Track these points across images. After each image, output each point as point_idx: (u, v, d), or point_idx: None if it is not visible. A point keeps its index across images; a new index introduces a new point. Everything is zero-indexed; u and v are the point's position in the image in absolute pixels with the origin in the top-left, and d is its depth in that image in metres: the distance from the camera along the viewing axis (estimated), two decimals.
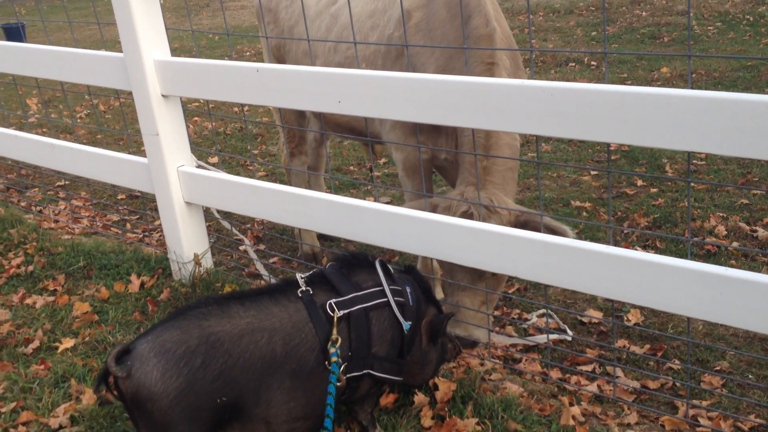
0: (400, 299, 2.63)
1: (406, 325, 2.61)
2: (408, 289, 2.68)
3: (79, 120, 8.62)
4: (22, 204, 5.61)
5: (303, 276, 2.61)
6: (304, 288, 2.54)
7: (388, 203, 4.78)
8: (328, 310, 2.49)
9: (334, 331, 2.47)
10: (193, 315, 2.38)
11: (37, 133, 5.56)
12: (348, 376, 2.52)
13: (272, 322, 2.42)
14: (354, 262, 2.71)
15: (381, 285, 2.62)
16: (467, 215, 3.13)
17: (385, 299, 2.59)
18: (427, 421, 2.82)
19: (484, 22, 3.28)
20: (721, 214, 4.73)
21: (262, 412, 2.38)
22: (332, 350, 2.43)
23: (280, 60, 4.54)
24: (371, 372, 2.58)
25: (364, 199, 3.40)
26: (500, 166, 3.29)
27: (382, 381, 2.66)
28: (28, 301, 3.97)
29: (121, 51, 3.71)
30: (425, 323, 2.74)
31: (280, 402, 2.40)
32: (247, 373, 2.34)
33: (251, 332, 2.37)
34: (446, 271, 3.31)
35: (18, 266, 4.36)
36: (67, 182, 6.11)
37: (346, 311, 2.51)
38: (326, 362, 2.45)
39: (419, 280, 2.80)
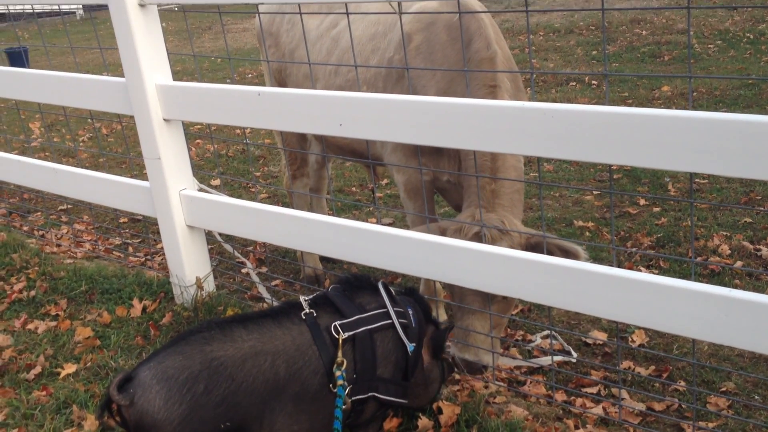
0: (404, 321, 2.63)
1: (410, 346, 2.62)
2: (410, 311, 2.68)
3: (81, 144, 8.64)
4: (25, 228, 5.61)
5: (306, 298, 2.61)
6: (307, 310, 2.53)
7: (390, 224, 4.78)
8: (333, 333, 2.48)
9: (339, 353, 2.46)
10: (195, 340, 2.36)
11: (39, 157, 5.57)
12: (353, 399, 2.50)
13: (275, 345, 2.41)
14: (357, 284, 2.71)
15: (384, 307, 2.62)
16: (478, 237, 3.12)
17: (390, 321, 2.59)
18: None
19: (485, 45, 3.29)
20: (724, 233, 4.71)
21: None
22: (338, 373, 2.43)
23: (282, 83, 4.56)
24: (376, 395, 2.57)
25: (367, 221, 3.39)
26: (508, 188, 3.29)
27: (387, 404, 2.65)
28: (30, 326, 3.96)
29: (122, 75, 3.72)
30: (427, 339, 2.75)
31: (283, 425, 2.39)
32: (251, 397, 2.32)
33: (254, 356, 2.36)
34: (457, 295, 3.28)
35: (20, 291, 4.36)
36: (69, 206, 6.11)
37: (351, 333, 2.50)
38: (330, 385, 2.44)
39: (420, 301, 2.81)
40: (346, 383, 2.44)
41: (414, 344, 2.63)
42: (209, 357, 2.31)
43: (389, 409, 2.80)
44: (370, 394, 2.56)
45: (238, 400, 2.30)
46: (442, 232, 3.19)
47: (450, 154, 3.47)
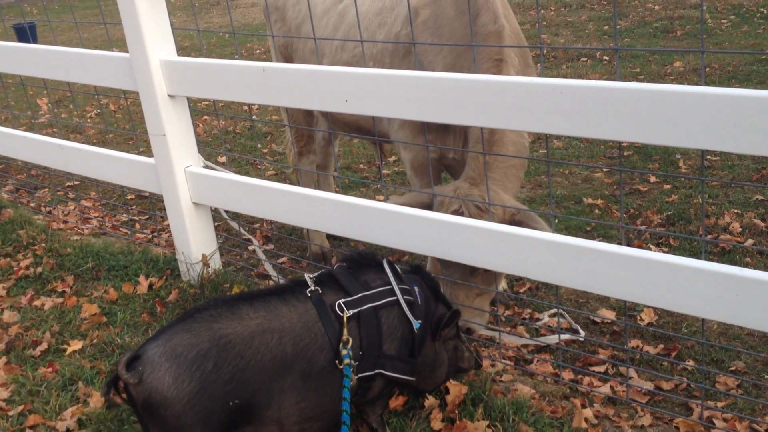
0: (409, 298, 2.61)
1: (416, 323, 2.60)
2: (416, 289, 2.66)
3: (89, 120, 8.62)
4: (32, 205, 5.61)
5: (312, 276, 2.59)
6: (312, 288, 2.52)
7: None
8: (337, 310, 2.47)
9: (345, 331, 2.44)
10: (202, 317, 2.35)
11: (47, 134, 5.56)
12: (360, 376, 2.50)
13: (282, 322, 2.41)
14: (362, 261, 2.70)
15: (389, 284, 2.60)
16: (458, 214, 3.10)
17: (395, 298, 2.57)
18: (437, 424, 2.79)
19: (492, 18, 3.24)
20: (735, 211, 4.66)
21: (275, 414, 2.37)
22: (344, 352, 2.42)
23: (288, 59, 4.51)
24: (383, 372, 2.56)
25: (374, 198, 3.36)
26: (502, 162, 3.25)
27: (393, 381, 2.63)
28: (37, 302, 3.96)
29: (127, 51, 3.69)
30: (433, 322, 2.72)
31: (291, 403, 2.38)
32: (259, 374, 2.32)
33: (262, 333, 2.36)
34: (441, 266, 3.28)
35: (27, 267, 4.35)
36: (76, 182, 6.11)
37: (355, 310, 2.49)
38: (336, 362, 2.43)
39: (427, 279, 2.78)
40: (353, 362, 2.44)
41: (420, 321, 2.61)
42: (217, 334, 2.30)
43: (395, 387, 2.78)
44: (376, 371, 2.55)
45: (246, 377, 2.30)
46: (423, 206, 3.17)
47: (456, 131, 3.43)
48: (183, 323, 2.35)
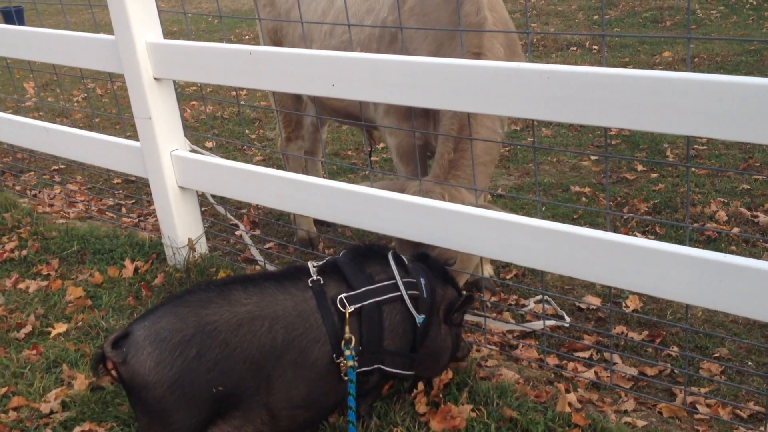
0: (414, 292, 2.57)
1: (420, 318, 2.56)
2: (422, 281, 2.61)
3: (75, 104, 8.56)
4: (17, 188, 5.57)
5: (315, 264, 2.55)
6: (315, 277, 2.48)
7: None
8: (339, 305, 2.43)
9: (347, 329, 2.41)
10: (192, 301, 2.34)
11: (33, 117, 5.50)
12: (359, 370, 2.47)
13: (275, 309, 2.38)
14: (367, 253, 2.65)
15: (394, 278, 2.56)
16: None
17: (399, 293, 2.54)
18: (421, 408, 2.79)
19: (474, 9, 3.21)
20: (722, 200, 4.68)
21: (263, 399, 2.36)
22: (347, 352, 2.40)
23: (277, 44, 4.49)
24: (382, 367, 2.54)
25: (362, 185, 3.35)
26: (469, 160, 3.22)
27: (391, 375, 2.62)
28: (21, 285, 3.94)
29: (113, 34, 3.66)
30: (443, 307, 2.70)
31: (280, 390, 2.37)
32: (245, 363, 2.31)
33: (251, 321, 2.33)
34: (397, 247, 3.25)
35: (11, 250, 4.33)
36: (62, 166, 6.07)
37: (358, 306, 2.45)
38: (333, 356, 2.41)
39: (434, 266, 2.74)
40: (356, 364, 2.41)
41: (423, 316, 2.57)
42: (204, 321, 2.28)
43: (391, 379, 2.77)
44: (375, 366, 2.53)
45: (231, 365, 2.28)
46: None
47: (436, 119, 3.42)
48: (172, 306, 2.35)
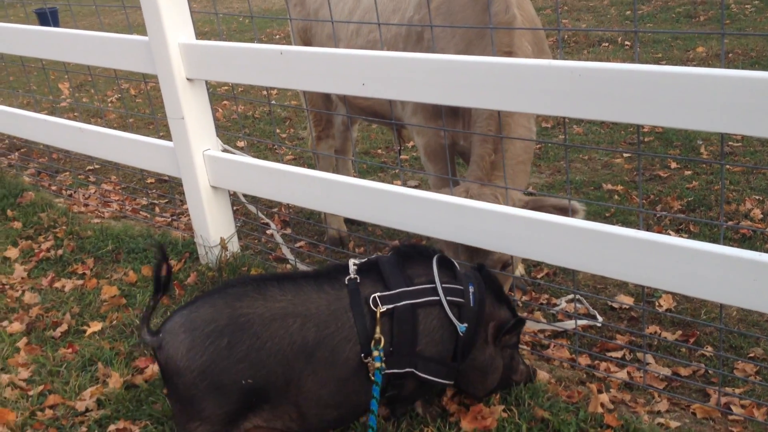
0: (458, 299, 2.48)
1: (462, 327, 2.46)
2: (471, 289, 2.51)
3: (110, 104, 8.67)
4: (53, 188, 5.66)
5: (356, 262, 2.52)
6: (352, 276, 2.46)
7: (415, 187, 4.74)
8: (371, 304, 2.39)
9: (378, 330, 2.38)
10: (229, 294, 2.39)
11: (68, 118, 5.58)
12: (388, 372, 2.42)
13: (308, 307, 2.38)
14: (411, 254, 2.57)
15: (434, 281, 2.48)
16: None
17: (437, 297, 2.46)
18: (452, 407, 2.79)
19: (503, 8, 3.20)
20: (757, 197, 4.61)
21: (292, 396, 2.38)
22: (375, 353, 2.37)
23: (307, 43, 4.51)
24: (415, 372, 2.48)
25: (392, 183, 3.36)
26: (510, 160, 3.21)
27: (429, 383, 2.55)
28: (57, 284, 4.00)
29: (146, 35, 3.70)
30: (493, 326, 2.59)
31: (310, 388, 2.38)
32: (275, 357, 2.33)
33: (283, 317, 2.35)
34: (451, 251, 3.24)
35: (48, 250, 4.40)
36: (97, 166, 6.15)
37: (390, 306, 2.41)
38: (362, 355, 2.39)
39: (489, 279, 2.63)
40: (384, 366, 2.37)
41: (466, 325, 2.47)
42: (237, 313, 2.33)
43: (433, 389, 2.71)
44: (408, 369, 2.47)
45: (261, 359, 2.31)
46: None
47: (465, 118, 3.41)
48: (210, 297, 2.41)
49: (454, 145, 3.61)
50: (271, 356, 2.32)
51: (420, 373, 2.48)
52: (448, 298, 2.46)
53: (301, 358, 2.35)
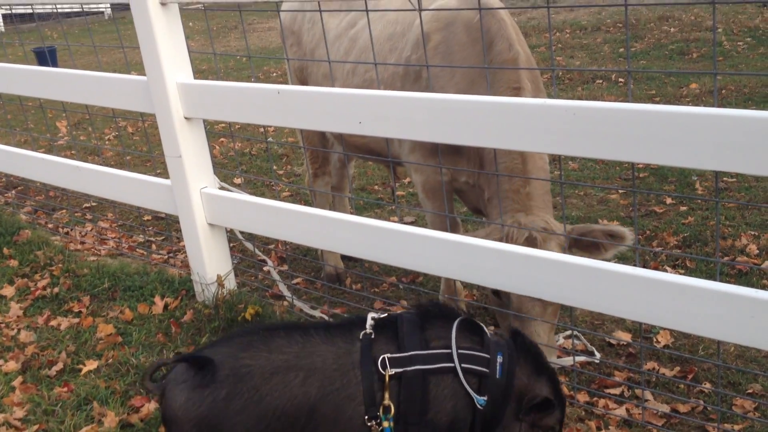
0: (481, 368, 2.26)
1: (480, 400, 2.25)
2: (499, 359, 2.28)
3: (107, 142, 8.71)
4: (50, 226, 5.66)
5: (374, 317, 2.38)
6: (368, 330, 2.32)
7: (411, 223, 4.76)
8: (379, 366, 2.24)
9: (386, 396, 2.23)
10: (235, 343, 2.34)
11: (65, 156, 5.61)
12: None
13: (313, 361, 2.28)
14: (434, 314, 2.39)
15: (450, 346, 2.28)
16: (531, 240, 3.09)
17: (452, 364, 2.26)
18: None
19: (507, 46, 3.26)
20: (752, 233, 4.63)
21: None
22: (386, 424, 2.22)
23: (303, 82, 4.55)
24: None
25: (389, 219, 3.37)
26: (539, 190, 3.26)
27: None
28: (53, 323, 3.99)
29: (145, 74, 3.74)
30: (527, 399, 2.29)
31: None
32: (275, 412, 2.24)
33: (285, 370, 2.26)
34: (514, 303, 3.20)
35: (44, 288, 4.39)
36: (94, 204, 6.16)
37: (399, 370, 2.24)
38: (366, 417, 2.25)
39: (527, 349, 2.37)
40: None
41: (486, 398, 2.25)
42: (239, 364, 2.27)
43: None
44: None
45: (260, 413, 2.24)
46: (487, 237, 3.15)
47: (469, 155, 3.44)
48: (216, 346, 2.37)
49: (452, 182, 3.63)
50: (270, 411, 2.24)
51: None
52: (465, 365, 2.25)
53: (302, 413, 2.25)
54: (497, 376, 2.26)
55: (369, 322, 2.34)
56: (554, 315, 3.24)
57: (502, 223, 3.19)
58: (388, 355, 2.25)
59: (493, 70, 3.19)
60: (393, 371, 2.23)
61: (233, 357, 2.28)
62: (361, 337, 2.31)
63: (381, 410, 2.22)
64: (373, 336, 2.31)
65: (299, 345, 2.31)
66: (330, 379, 2.26)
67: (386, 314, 2.40)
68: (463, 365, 2.25)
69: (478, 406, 2.25)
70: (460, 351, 2.26)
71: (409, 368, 2.24)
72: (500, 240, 3.11)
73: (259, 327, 2.42)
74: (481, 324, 2.38)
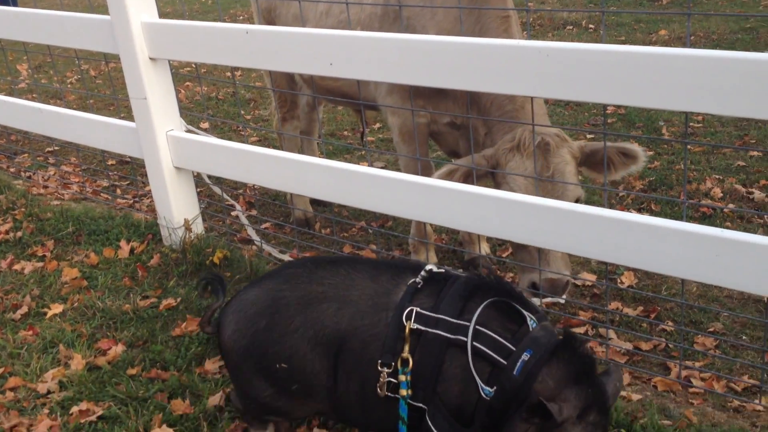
0: (497, 357, 2.06)
1: (486, 390, 2.05)
2: (525, 356, 2.03)
3: (69, 85, 8.51)
4: (11, 170, 5.55)
5: (431, 269, 2.26)
6: (419, 279, 2.21)
7: (382, 168, 4.74)
8: (404, 319, 2.13)
9: (406, 348, 2.11)
10: (282, 275, 2.38)
11: (27, 99, 5.47)
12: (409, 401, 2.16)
13: (350, 293, 2.23)
14: (490, 287, 2.20)
15: (482, 323, 2.10)
16: (543, 145, 3.01)
17: (466, 339, 2.08)
18: None
19: None
20: (717, 177, 4.69)
21: (327, 384, 2.24)
22: (402, 377, 2.11)
23: (270, 23, 4.45)
24: (427, 415, 2.14)
25: (358, 164, 3.35)
26: (541, 110, 3.22)
27: None
28: (17, 266, 3.94)
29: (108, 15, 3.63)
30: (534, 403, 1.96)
31: (341, 378, 2.22)
32: (309, 342, 2.22)
33: (320, 301, 2.23)
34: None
35: (6, 232, 4.32)
36: (56, 148, 6.04)
37: (421, 327, 2.12)
38: (379, 362, 2.14)
39: (572, 353, 2.06)
40: (409, 391, 2.11)
41: (493, 389, 2.04)
42: (279, 295, 2.30)
43: None
44: (422, 405, 2.15)
45: (294, 342, 2.22)
46: (488, 160, 3.11)
47: (456, 97, 3.39)
48: (265, 278, 2.43)
49: (429, 125, 3.59)
50: (304, 341, 2.22)
51: (428, 418, 2.14)
52: (479, 346, 2.07)
53: (334, 344, 2.20)
54: (513, 373, 2.02)
55: (423, 273, 2.23)
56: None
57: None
58: (417, 309, 2.14)
59: (480, 3, 3.14)
60: (415, 326, 2.12)
61: (276, 288, 2.33)
62: (409, 283, 2.22)
63: (399, 362, 2.12)
64: (420, 286, 2.21)
65: (341, 277, 2.28)
66: (361, 313, 2.19)
67: (444, 270, 2.28)
68: (475, 344, 2.07)
69: (483, 394, 2.06)
70: (482, 330, 2.08)
71: (430, 330, 2.12)
72: (511, 149, 3.06)
73: (309, 259, 2.49)
74: (529, 315, 2.16)
